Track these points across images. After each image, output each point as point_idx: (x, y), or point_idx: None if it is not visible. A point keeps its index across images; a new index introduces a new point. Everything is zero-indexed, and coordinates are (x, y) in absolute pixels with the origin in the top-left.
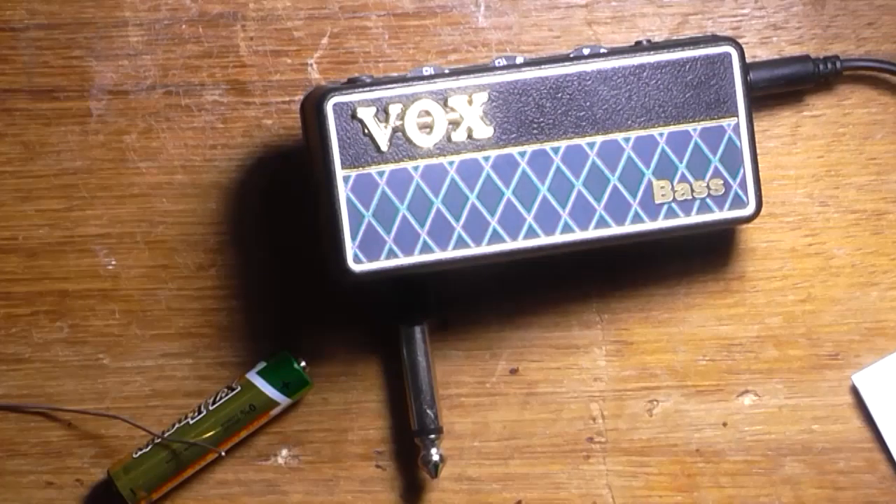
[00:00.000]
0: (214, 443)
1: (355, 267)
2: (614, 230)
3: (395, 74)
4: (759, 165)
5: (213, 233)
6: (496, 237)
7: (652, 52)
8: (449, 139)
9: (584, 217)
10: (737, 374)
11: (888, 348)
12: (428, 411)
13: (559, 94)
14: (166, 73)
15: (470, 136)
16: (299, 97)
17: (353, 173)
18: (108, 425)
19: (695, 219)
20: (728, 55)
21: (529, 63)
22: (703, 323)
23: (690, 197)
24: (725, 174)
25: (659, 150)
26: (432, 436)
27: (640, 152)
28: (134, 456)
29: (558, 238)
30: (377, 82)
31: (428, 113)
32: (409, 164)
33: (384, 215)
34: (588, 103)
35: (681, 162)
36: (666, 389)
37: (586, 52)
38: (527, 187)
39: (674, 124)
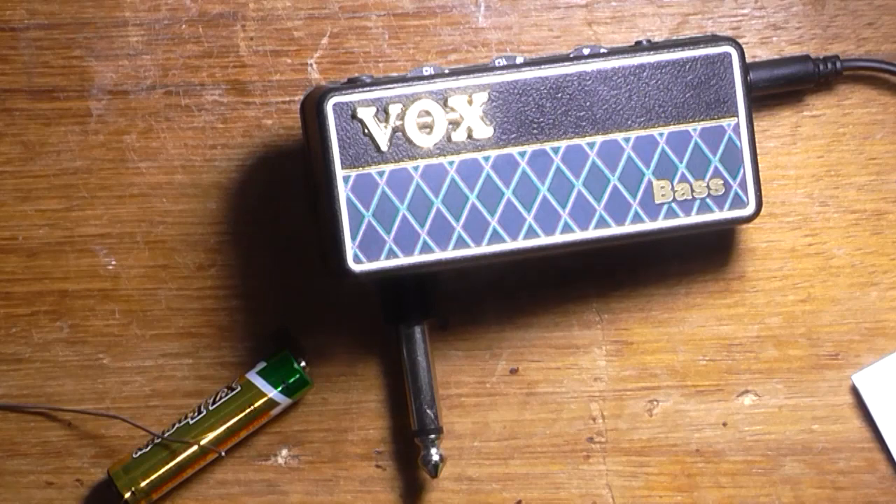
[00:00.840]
0: (214, 443)
1: (355, 267)
2: (614, 230)
3: (395, 74)
4: (759, 165)
5: (213, 233)
6: (496, 237)
7: (652, 52)
8: (449, 139)
9: (584, 217)
10: (737, 374)
11: (888, 348)
12: (428, 411)
13: (559, 94)
14: (166, 73)
15: (470, 136)
16: (299, 97)
17: (353, 173)
18: (108, 425)
19: (695, 219)
20: (728, 55)
21: (529, 63)
22: (703, 323)
23: (690, 197)
24: (725, 174)
25: (659, 150)
26: (432, 436)
27: (640, 152)
28: (134, 456)
29: (558, 238)
30: (377, 82)
31: (428, 113)
32: (409, 164)
33: (384, 215)
34: (588, 103)
35: (681, 162)
36: (666, 389)
37: (586, 52)
38: (527, 187)
39: (674, 124)
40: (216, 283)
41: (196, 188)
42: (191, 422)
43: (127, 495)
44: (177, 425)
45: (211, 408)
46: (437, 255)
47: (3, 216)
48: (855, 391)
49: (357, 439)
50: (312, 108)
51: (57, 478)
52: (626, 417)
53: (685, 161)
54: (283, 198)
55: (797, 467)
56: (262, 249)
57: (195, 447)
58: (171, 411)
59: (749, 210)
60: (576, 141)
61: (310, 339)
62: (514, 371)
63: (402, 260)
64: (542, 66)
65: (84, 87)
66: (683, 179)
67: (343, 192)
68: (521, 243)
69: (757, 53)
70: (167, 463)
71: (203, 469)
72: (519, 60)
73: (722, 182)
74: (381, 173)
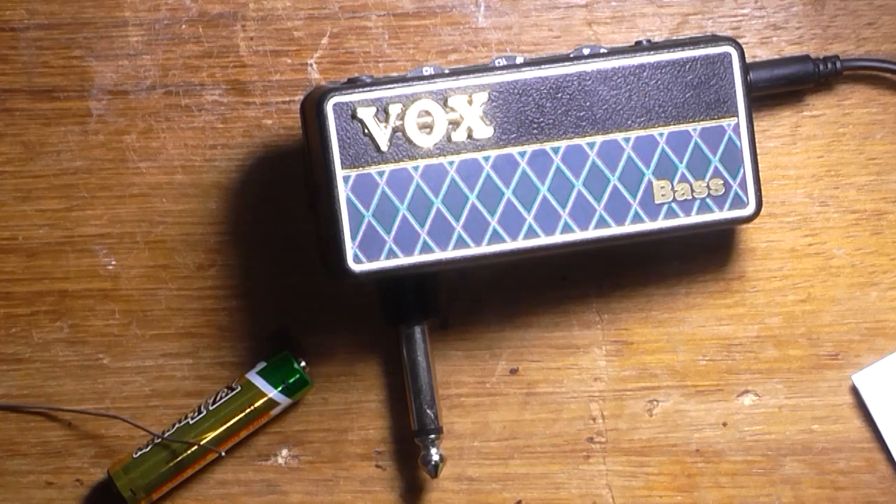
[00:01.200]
0: (214, 443)
1: (355, 267)
2: (614, 230)
3: (395, 74)
4: (759, 165)
5: (213, 233)
6: (496, 237)
7: (652, 52)
8: (449, 139)
9: (584, 217)
10: (737, 374)
11: (888, 348)
12: (428, 411)
13: (559, 94)
14: (166, 73)
15: (470, 136)
16: (299, 97)
17: (353, 173)
18: (108, 425)
19: (695, 219)
20: (728, 55)
21: (529, 63)
22: (703, 323)
23: (690, 197)
24: (725, 174)
25: (659, 150)
26: (432, 436)
27: (640, 152)
28: (134, 456)
29: (558, 238)
30: (377, 82)
31: (428, 113)
32: (409, 164)
33: (384, 215)
34: (588, 103)
35: (681, 162)
36: (666, 389)
37: (586, 52)
38: (527, 187)
39: (674, 124)
40: (216, 283)
41: (196, 188)
42: (191, 422)
43: (127, 495)
44: (177, 425)
45: (211, 408)
46: (437, 255)
47: (3, 216)
48: (855, 391)
49: (357, 439)
50: (312, 108)
51: (57, 478)
52: (626, 417)
53: (685, 161)
54: (283, 198)
55: (797, 467)
56: (262, 249)
57: (195, 447)
58: (171, 411)
59: (749, 210)
60: (576, 141)
61: (310, 339)
62: (514, 371)
63: (402, 260)
64: (542, 66)
65: (84, 87)
66: (683, 179)
67: (343, 192)
68: (521, 243)
69: (757, 53)
70: (167, 463)
71: (203, 469)
72: (519, 60)
73: (722, 182)
74: (381, 173)
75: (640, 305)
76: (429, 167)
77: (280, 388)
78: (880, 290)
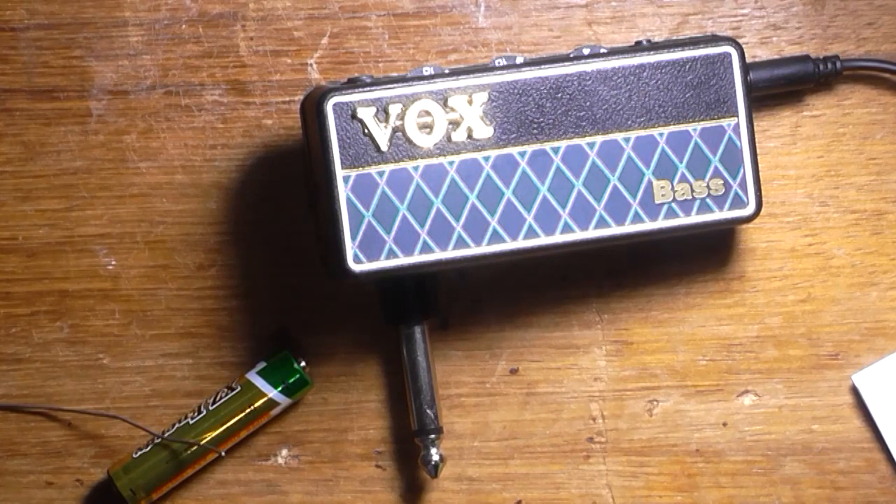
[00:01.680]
0: (214, 443)
1: (355, 267)
2: (614, 230)
3: (395, 74)
4: (759, 165)
5: (213, 233)
6: (496, 237)
7: (652, 52)
8: (449, 139)
9: (584, 217)
10: (737, 374)
11: (888, 348)
12: (428, 411)
13: (559, 94)
14: (166, 73)
15: (470, 136)
16: (299, 97)
17: (353, 173)
18: (108, 425)
19: (695, 219)
20: (728, 55)
21: (529, 63)
22: (703, 323)
23: (690, 197)
24: (725, 174)
25: (659, 150)
26: (432, 436)
27: (640, 152)
28: (134, 456)
29: (558, 238)
30: (377, 82)
31: (428, 113)
32: (409, 164)
33: (384, 215)
34: (588, 103)
35: (681, 162)
36: (666, 389)
37: (586, 52)
38: (527, 187)
39: (674, 124)
40: (216, 283)
41: (196, 188)
42: (191, 422)
43: (127, 495)
44: (177, 425)
45: (211, 408)
46: (437, 255)
47: (3, 216)
48: (855, 391)
49: (357, 439)
50: (312, 108)
51: (57, 478)
52: (626, 417)
53: (685, 161)
54: (283, 198)
55: (797, 467)
56: (262, 249)
57: (195, 447)
58: (171, 411)
59: (749, 210)
60: (576, 141)
61: (310, 339)
62: (514, 371)
63: (402, 260)
64: (542, 66)
65: (84, 87)
66: (683, 179)
67: (343, 192)
68: (521, 243)
69: (757, 53)
70: (167, 463)
71: (203, 469)
72: (519, 60)
73: (722, 182)
74: (381, 173)
75: (640, 305)
76: (429, 167)
77: (280, 388)
78: (880, 290)
